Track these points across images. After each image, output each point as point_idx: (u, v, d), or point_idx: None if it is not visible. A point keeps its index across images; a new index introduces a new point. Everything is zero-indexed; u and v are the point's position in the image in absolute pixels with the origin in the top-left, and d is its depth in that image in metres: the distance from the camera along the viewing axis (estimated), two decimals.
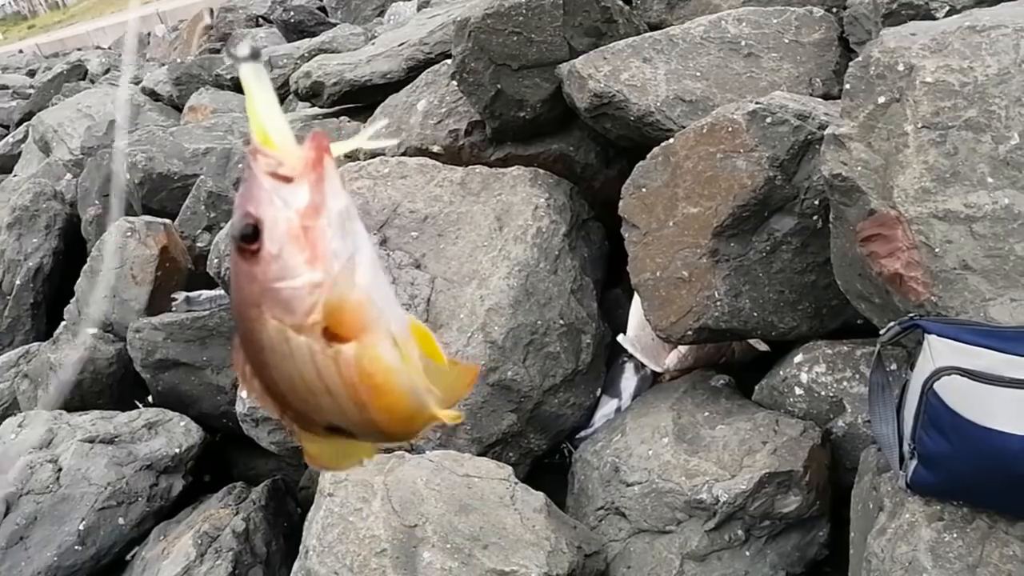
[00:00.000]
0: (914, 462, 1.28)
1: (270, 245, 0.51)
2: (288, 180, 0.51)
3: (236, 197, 0.52)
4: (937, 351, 1.24)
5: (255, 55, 0.52)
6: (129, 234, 2.82)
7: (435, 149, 2.50)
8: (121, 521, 2.16)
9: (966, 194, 1.37)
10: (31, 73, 11.00)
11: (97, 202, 3.55)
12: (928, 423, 1.24)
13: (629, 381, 2.16)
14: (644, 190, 1.91)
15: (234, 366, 0.58)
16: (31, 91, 8.07)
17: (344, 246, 0.53)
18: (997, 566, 1.24)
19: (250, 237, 0.51)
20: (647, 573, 1.67)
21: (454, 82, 2.41)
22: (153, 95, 5.10)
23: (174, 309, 2.69)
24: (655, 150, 1.91)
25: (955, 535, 1.28)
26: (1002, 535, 1.26)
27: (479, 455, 1.89)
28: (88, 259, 2.98)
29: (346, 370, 0.54)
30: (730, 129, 1.80)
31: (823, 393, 1.76)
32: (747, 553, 1.65)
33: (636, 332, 2.13)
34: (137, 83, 5.42)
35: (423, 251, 2.19)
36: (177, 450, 2.28)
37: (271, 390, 0.57)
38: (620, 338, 2.15)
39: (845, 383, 1.75)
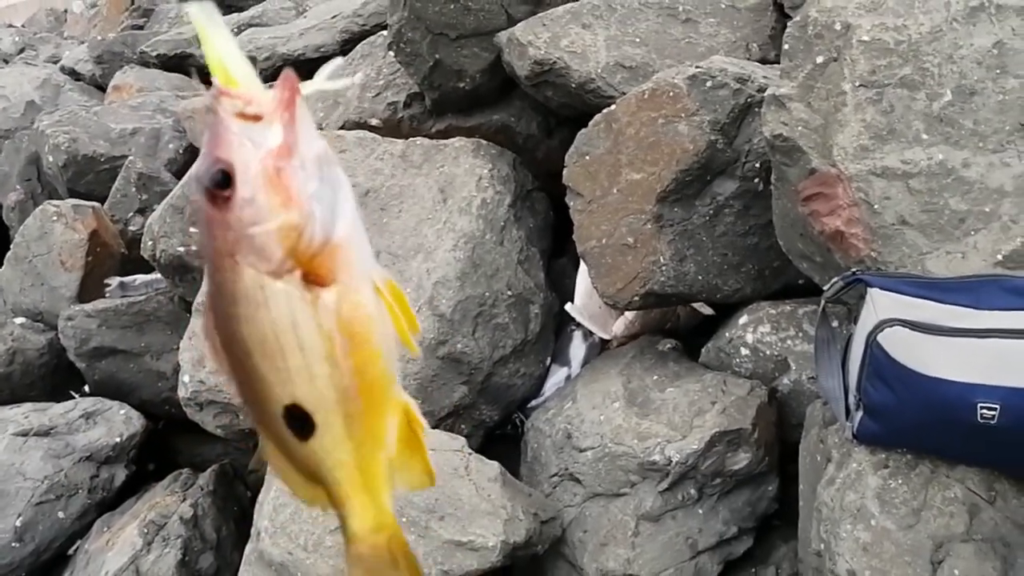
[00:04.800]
0: (860, 413, 1.32)
1: (243, 189, 0.50)
2: (257, 119, 0.50)
3: (203, 143, 0.51)
4: (880, 304, 1.27)
5: None
6: (55, 218, 2.70)
7: (374, 122, 2.45)
8: (61, 515, 2.09)
9: (902, 151, 1.40)
10: None
11: (19, 187, 3.39)
12: (872, 374, 1.27)
13: (578, 349, 2.17)
14: (587, 158, 1.90)
15: (203, 330, 0.57)
16: None
17: (323, 190, 0.53)
18: (940, 508, 1.28)
19: (222, 183, 0.50)
20: (603, 536, 1.69)
21: (391, 53, 2.36)
22: (73, 74, 4.85)
23: (108, 295, 2.59)
24: (597, 117, 1.91)
25: (900, 481, 1.32)
26: (944, 479, 1.31)
27: (432, 428, 1.87)
28: (11, 247, 2.85)
29: (325, 316, 0.53)
30: (671, 94, 1.81)
31: (768, 352, 1.79)
32: (700, 511, 1.68)
33: (583, 300, 2.14)
34: (55, 62, 5.17)
35: (366, 226, 2.14)
36: (118, 439, 2.20)
37: (236, 356, 0.55)
38: (568, 307, 2.15)
39: (789, 342, 1.78)
